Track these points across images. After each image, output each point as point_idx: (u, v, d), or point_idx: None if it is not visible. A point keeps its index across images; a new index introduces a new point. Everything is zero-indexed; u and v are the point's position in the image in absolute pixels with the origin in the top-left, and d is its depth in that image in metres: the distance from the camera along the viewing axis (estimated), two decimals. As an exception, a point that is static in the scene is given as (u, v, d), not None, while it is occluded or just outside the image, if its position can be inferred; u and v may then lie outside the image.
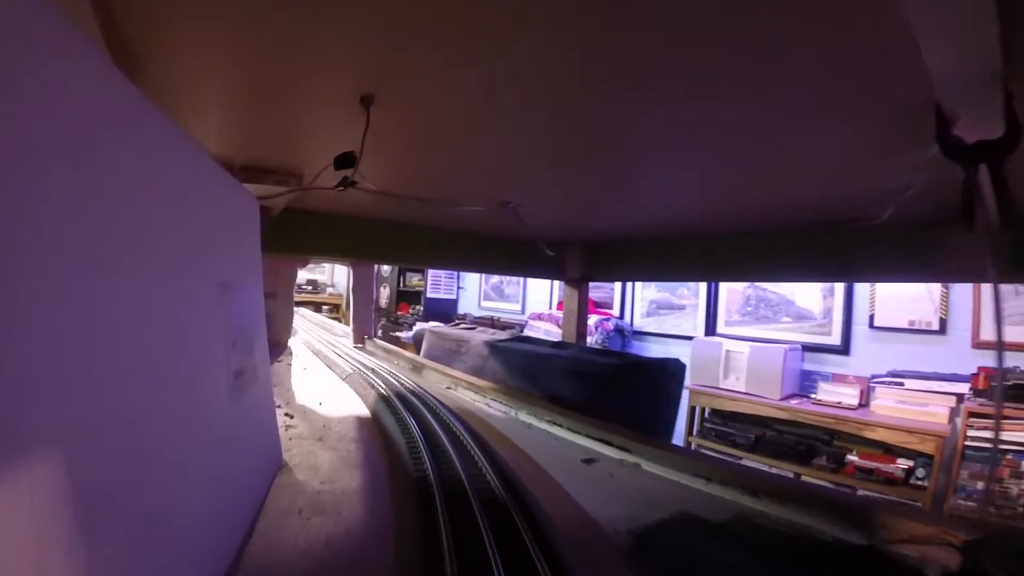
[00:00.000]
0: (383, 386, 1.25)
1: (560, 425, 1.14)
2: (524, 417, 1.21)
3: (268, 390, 0.78)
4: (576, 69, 0.58)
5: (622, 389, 1.36)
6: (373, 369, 1.50)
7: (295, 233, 1.76)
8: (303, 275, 7.76)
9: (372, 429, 1.01)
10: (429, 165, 1.10)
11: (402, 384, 1.30)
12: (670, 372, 1.53)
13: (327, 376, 1.49)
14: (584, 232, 1.84)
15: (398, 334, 5.24)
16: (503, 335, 1.76)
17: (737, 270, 1.61)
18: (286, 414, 1.05)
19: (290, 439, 0.91)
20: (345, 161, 0.94)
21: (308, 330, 2.56)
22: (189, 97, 0.77)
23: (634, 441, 1.03)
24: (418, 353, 2.12)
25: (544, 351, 1.50)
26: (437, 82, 0.65)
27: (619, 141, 0.82)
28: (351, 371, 1.48)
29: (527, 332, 4.09)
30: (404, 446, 0.85)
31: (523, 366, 1.49)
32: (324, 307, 7.26)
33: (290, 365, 1.61)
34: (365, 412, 1.12)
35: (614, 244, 1.93)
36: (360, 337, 2.23)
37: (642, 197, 1.26)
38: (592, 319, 3.32)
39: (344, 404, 1.17)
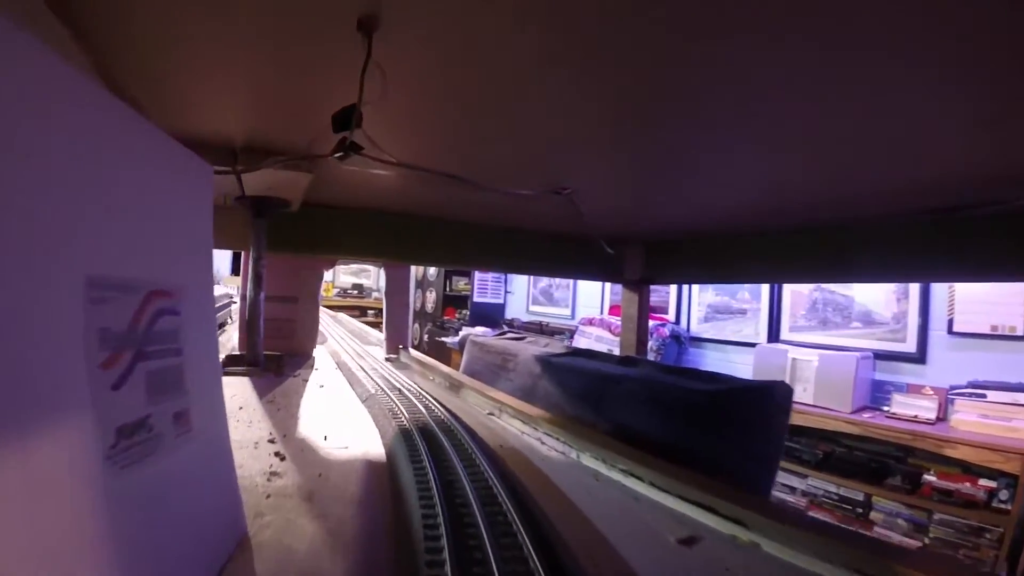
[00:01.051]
0: (407, 415, 1.01)
1: (640, 478, 0.85)
2: (588, 462, 0.93)
3: (217, 440, 0.55)
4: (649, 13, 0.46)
5: (719, 424, 1.05)
6: (400, 389, 1.27)
7: (318, 230, 1.59)
8: (348, 279, 7.83)
9: (383, 481, 0.76)
10: (463, 134, 0.87)
11: (432, 411, 1.06)
12: (777, 401, 1.20)
13: (345, 396, 1.27)
14: (646, 228, 1.66)
15: (444, 339, 5.15)
16: (557, 348, 1.48)
17: (822, 269, 1.46)
18: (276, 454, 0.82)
19: (268, 496, 0.68)
20: (345, 119, 0.72)
21: (341, 337, 2.39)
22: (161, 60, 0.65)
23: (747, 508, 0.73)
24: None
25: (610, 370, 1.21)
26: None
27: (697, 107, 0.68)
28: (373, 391, 1.25)
29: (578, 338, 4.07)
30: (419, 520, 0.59)
31: (584, 389, 1.21)
32: (370, 311, 7.26)
33: (306, 381, 1.41)
34: (379, 452, 0.88)
35: (678, 242, 1.77)
36: (394, 347, 2.02)
37: (718, 181, 1.05)
38: (646, 324, 3.14)
39: (355, 439, 0.94)
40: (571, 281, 4.93)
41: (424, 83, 0.68)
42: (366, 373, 1.48)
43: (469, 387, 1.37)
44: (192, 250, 0.52)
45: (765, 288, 3.16)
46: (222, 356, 1.58)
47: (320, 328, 2.55)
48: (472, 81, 0.67)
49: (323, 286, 7.06)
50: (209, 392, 0.53)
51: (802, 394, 2.56)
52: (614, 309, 4.21)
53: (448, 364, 4.57)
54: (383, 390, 1.25)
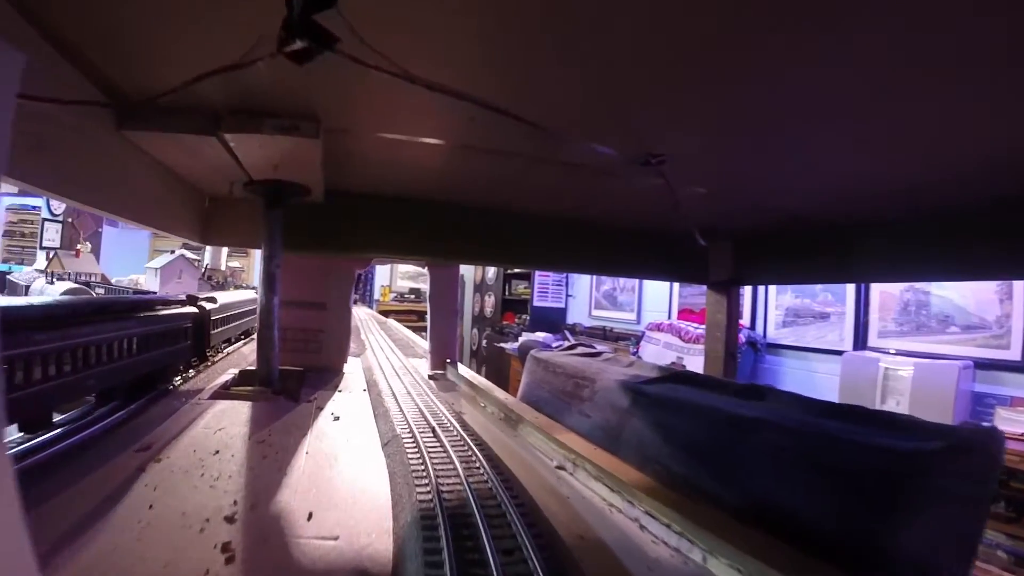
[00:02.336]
0: (436, 481, 0.71)
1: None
2: (724, 574, 0.58)
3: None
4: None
5: (933, 503, 0.67)
6: (436, 427, 0.97)
7: (346, 225, 1.36)
8: (405, 283, 7.77)
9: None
10: (514, 52, 0.57)
11: (475, 472, 0.75)
12: (994, 457, 0.79)
13: (363, 437, 0.99)
14: (738, 218, 1.39)
15: (503, 344, 4.92)
16: (649, 370, 1.13)
17: (944, 266, 1.21)
18: (224, 546, 0.54)
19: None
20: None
21: (380, 348, 2.14)
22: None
23: None
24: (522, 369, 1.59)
25: (736, 409, 0.85)
26: None
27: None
28: (400, 429, 0.96)
29: (644, 345, 3.87)
30: None
31: (699, 437, 0.86)
32: (427, 316, 7.13)
33: (320, 409, 1.14)
34: (383, 551, 0.57)
35: (774, 235, 1.51)
36: (439, 362, 1.73)
37: (840, 144, 0.80)
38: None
39: (352, 521, 0.64)
40: (635, 283, 4.69)
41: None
42: (397, 401, 1.20)
43: (530, 424, 1.05)
44: None
45: (850, 289, 2.94)
46: (235, 373, 1.36)
47: (360, 336, 2.32)
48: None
49: (380, 291, 6.98)
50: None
51: (895, 408, 2.32)
52: (683, 313, 4.04)
53: (507, 370, 4.31)
54: (414, 429, 0.96)
